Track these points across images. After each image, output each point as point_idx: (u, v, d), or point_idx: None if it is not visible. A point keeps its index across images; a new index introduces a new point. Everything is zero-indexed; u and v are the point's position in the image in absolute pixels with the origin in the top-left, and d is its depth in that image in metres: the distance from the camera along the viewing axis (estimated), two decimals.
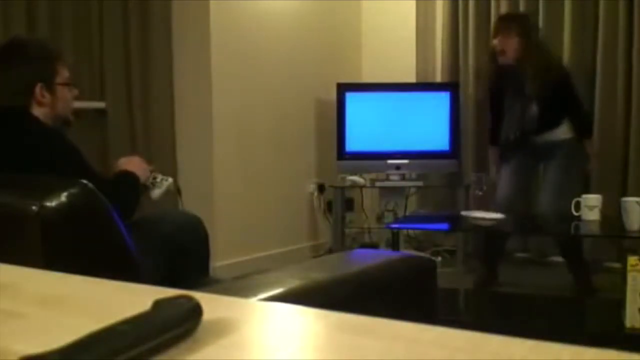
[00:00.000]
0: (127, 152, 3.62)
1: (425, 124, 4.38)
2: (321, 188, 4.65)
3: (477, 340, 0.47)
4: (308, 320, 0.57)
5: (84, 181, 1.38)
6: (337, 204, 4.40)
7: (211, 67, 3.89)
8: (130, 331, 0.46)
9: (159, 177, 2.25)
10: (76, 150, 1.95)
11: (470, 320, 3.03)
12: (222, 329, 0.52)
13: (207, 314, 0.52)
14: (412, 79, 4.77)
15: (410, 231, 4.56)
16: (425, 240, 4.68)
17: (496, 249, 3.74)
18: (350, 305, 0.60)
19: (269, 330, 0.56)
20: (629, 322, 2.57)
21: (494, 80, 3.78)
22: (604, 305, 3.20)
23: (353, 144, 4.36)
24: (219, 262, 3.68)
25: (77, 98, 2.17)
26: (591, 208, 3.07)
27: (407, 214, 4.55)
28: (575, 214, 3.11)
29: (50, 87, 2.02)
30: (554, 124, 3.58)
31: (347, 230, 4.56)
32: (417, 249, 4.56)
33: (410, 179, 4.45)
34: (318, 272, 1.42)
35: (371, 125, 4.39)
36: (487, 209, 3.30)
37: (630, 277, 2.54)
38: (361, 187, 4.53)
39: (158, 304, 0.50)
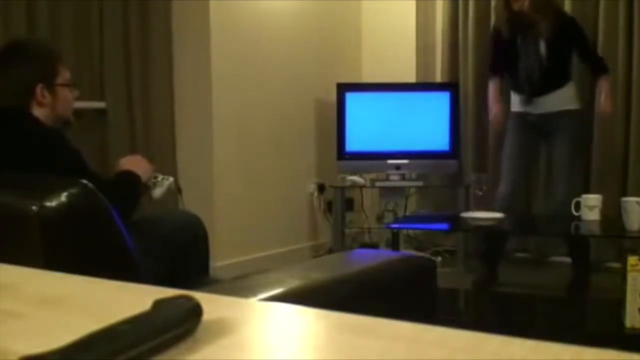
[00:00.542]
0: (127, 152, 3.62)
1: (425, 124, 4.38)
2: (321, 188, 4.65)
3: (477, 340, 0.47)
4: (308, 320, 0.57)
5: (84, 181, 1.38)
6: (337, 204, 4.40)
7: (211, 67, 3.89)
8: (130, 331, 0.46)
9: (160, 176, 2.25)
10: (76, 151, 1.95)
11: (470, 320, 3.04)
12: (222, 329, 0.52)
13: (207, 314, 0.52)
14: (412, 79, 4.77)
15: (410, 231, 4.56)
16: (425, 240, 4.68)
17: (496, 249, 3.75)
18: (350, 305, 0.60)
19: (269, 330, 0.56)
20: (629, 322, 2.57)
21: (506, 25, 3.76)
22: (604, 305, 3.20)
23: (353, 144, 4.36)
24: (219, 262, 3.68)
25: (77, 98, 2.17)
26: (591, 208, 3.07)
27: (407, 214, 4.55)
28: (575, 214, 3.11)
29: (50, 87, 2.02)
30: (561, 79, 3.61)
31: (347, 230, 4.56)
32: (417, 249, 4.56)
33: (410, 179, 4.45)
34: (318, 272, 1.42)
35: (371, 125, 4.39)
36: (487, 209, 3.30)
37: (630, 277, 2.54)
38: (361, 187, 4.53)
39: (158, 304, 0.50)
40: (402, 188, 4.48)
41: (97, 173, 1.98)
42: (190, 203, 2.64)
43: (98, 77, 3.66)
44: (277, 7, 4.33)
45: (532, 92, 3.65)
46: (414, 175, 4.47)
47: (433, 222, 4.07)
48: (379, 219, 4.55)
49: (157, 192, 2.24)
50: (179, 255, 2.20)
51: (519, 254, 4.37)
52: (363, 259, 1.68)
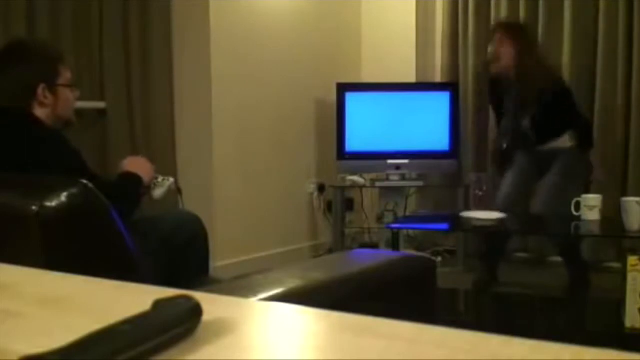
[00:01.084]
0: (127, 152, 3.62)
1: (425, 124, 4.38)
2: (321, 188, 4.65)
3: (477, 340, 0.47)
4: (308, 320, 0.57)
5: (84, 181, 1.38)
6: (337, 204, 4.40)
7: (211, 67, 3.89)
8: (130, 331, 0.46)
9: (160, 177, 2.25)
10: (76, 152, 1.95)
11: (470, 320, 3.04)
12: (222, 329, 0.52)
13: (207, 314, 0.52)
14: (412, 79, 4.77)
15: (410, 231, 4.56)
16: (425, 240, 4.68)
17: (496, 249, 3.74)
18: (351, 305, 0.60)
19: (269, 330, 0.56)
20: (629, 322, 2.57)
21: (489, 88, 3.80)
22: (604, 305, 3.20)
23: (353, 144, 4.36)
24: (219, 262, 3.68)
25: (78, 98, 2.18)
26: (591, 208, 3.07)
27: (407, 214, 4.55)
28: (575, 214, 3.11)
29: (52, 88, 2.02)
30: (554, 135, 3.57)
31: (347, 230, 4.56)
32: (417, 249, 4.56)
33: (410, 179, 4.45)
34: (318, 272, 1.42)
35: (371, 125, 4.39)
36: (487, 209, 3.30)
37: (630, 277, 2.54)
38: (361, 187, 4.53)
39: (158, 304, 0.50)
40: (402, 188, 4.48)
41: (97, 174, 1.98)
42: (190, 203, 2.64)
43: (98, 77, 3.66)
44: (277, 7, 4.33)
45: (517, 149, 3.65)
46: (414, 175, 4.47)
47: (433, 222, 4.07)
48: (379, 219, 4.55)
49: (158, 193, 2.24)
50: (179, 255, 2.20)
51: (519, 254, 4.37)
52: (363, 259, 1.68)
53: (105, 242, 1.41)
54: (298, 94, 4.50)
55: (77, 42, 3.55)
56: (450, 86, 4.48)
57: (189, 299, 0.52)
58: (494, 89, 3.75)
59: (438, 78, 4.77)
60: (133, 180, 2.09)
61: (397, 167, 4.35)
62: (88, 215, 1.37)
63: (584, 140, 3.61)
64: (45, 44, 2.44)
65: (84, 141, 3.05)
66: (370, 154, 4.37)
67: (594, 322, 3.08)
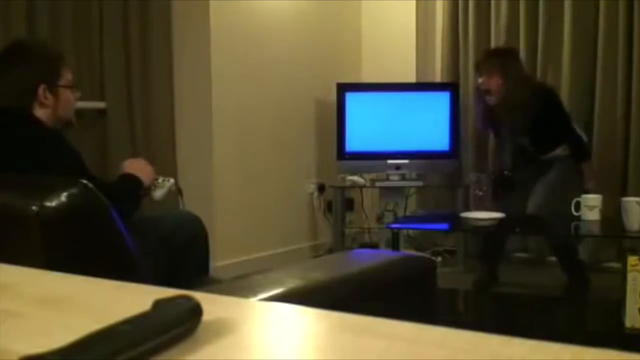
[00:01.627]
0: (127, 152, 3.63)
1: (425, 124, 4.38)
2: (321, 188, 4.65)
3: (477, 340, 0.47)
4: (308, 320, 0.57)
5: (84, 181, 1.38)
6: (337, 204, 4.40)
7: (211, 67, 3.89)
8: (130, 331, 0.46)
9: (160, 178, 2.25)
10: (75, 153, 1.95)
11: (470, 320, 3.04)
12: (222, 329, 0.52)
13: (207, 314, 0.52)
14: (412, 79, 4.77)
15: (410, 231, 4.56)
16: (425, 240, 4.68)
17: (496, 249, 3.74)
18: (351, 305, 0.60)
19: (269, 330, 0.56)
20: (629, 322, 2.57)
21: (486, 120, 3.80)
22: (604, 305, 3.20)
23: (353, 144, 4.36)
24: (219, 262, 3.68)
25: (78, 99, 2.18)
26: (591, 208, 3.07)
27: (407, 214, 4.55)
28: (575, 214, 3.11)
29: (53, 89, 2.02)
30: (550, 149, 3.59)
31: (347, 230, 4.56)
32: (417, 249, 4.56)
33: (410, 179, 4.45)
34: (318, 272, 1.42)
35: (371, 125, 4.39)
36: (487, 209, 3.30)
37: (630, 277, 2.54)
38: (361, 187, 4.53)
39: (158, 304, 0.50)
40: (402, 188, 4.48)
41: (96, 176, 1.98)
42: (190, 203, 2.64)
43: (98, 77, 3.66)
44: (277, 7, 4.33)
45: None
46: (413, 175, 4.47)
47: (433, 222, 4.07)
48: (379, 219, 4.55)
49: (158, 194, 2.24)
50: (179, 255, 2.20)
51: (519, 254, 4.37)
52: (363, 259, 1.68)
53: (105, 242, 1.41)
54: (298, 94, 4.50)
55: (77, 42, 3.55)
56: (450, 86, 4.48)
57: (189, 299, 0.52)
58: (491, 119, 3.76)
59: (438, 78, 4.77)
60: (133, 182, 2.09)
61: (397, 167, 4.35)
62: (88, 215, 1.37)
63: (578, 153, 3.61)
64: (46, 45, 2.44)
65: (84, 141, 3.05)
66: (370, 154, 4.37)
67: (594, 322, 3.08)
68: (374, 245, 4.55)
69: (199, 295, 0.53)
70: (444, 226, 3.88)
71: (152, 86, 3.77)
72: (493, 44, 4.39)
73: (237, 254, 3.98)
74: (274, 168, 4.33)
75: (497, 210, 3.46)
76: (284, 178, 4.41)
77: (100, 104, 3.64)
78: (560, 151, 3.58)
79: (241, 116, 4.10)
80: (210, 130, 3.91)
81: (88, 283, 0.70)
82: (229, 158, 4.03)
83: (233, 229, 3.99)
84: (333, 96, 4.40)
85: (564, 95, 4.14)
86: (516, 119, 3.57)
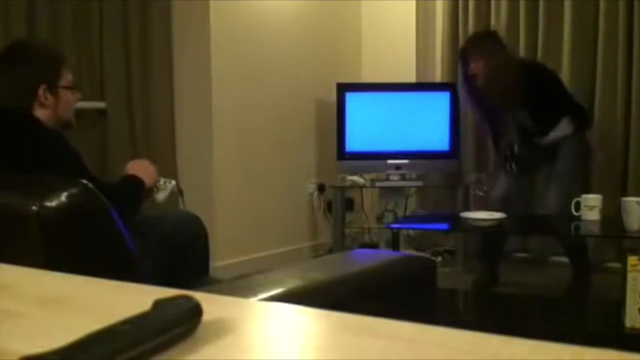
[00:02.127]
0: (127, 152, 3.63)
1: (425, 124, 4.38)
2: (321, 188, 4.65)
3: (477, 340, 0.47)
4: (308, 320, 0.57)
5: (84, 181, 1.38)
6: (337, 204, 4.40)
7: (211, 67, 3.89)
8: (130, 331, 0.46)
9: (162, 180, 2.25)
10: (75, 153, 1.95)
11: (470, 320, 3.04)
12: (222, 329, 0.52)
13: (207, 314, 0.52)
14: (412, 79, 4.77)
15: (410, 231, 4.56)
16: (425, 240, 4.68)
17: (496, 249, 3.74)
18: (351, 305, 0.60)
19: (269, 330, 0.56)
20: (629, 322, 2.57)
21: (475, 102, 3.80)
22: (604, 305, 3.20)
23: (353, 144, 4.36)
24: (219, 262, 3.68)
25: (78, 101, 2.17)
26: (591, 208, 3.07)
27: (407, 214, 4.55)
28: (575, 214, 3.11)
29: (53, 89, 2.02)
30: (552, 122, 3.55)
31: (347, 230, 4.56)
32: (417, 249, 4.56)
33: (410, 179, 4.45)
34: (318, 272, 1.42)
35: (371, 125, 4.39)
36: (487, 209, 3.30)
37: (630, 277, 2.54)
38: (361, 187, 4.53)
39: (158, 304, 0.50)
40: (402, 188, 4.48)
41: (96, 176, 1.98)
42: (190, 203, 2.64)
43: (98, 77, 3.66)
44: (277, 7, 4.33)
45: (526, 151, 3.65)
46: (414, 175, 4.47)
47: (433, 222, 4.07)
48: (379, 219, 4.55)
49: (161, 197, 2.24)
50: (179, 255, 2.20)
51: (519, 254, 4.37)
52: (363, 259, 1.68)
53: (105, 242, 1.41)
54: (298, 94, 4.50)
55: (77, 42, 3.55)
56: (450, 86, 4.47)
57: (189, 299, 0.52)
58: (482, 103, 3.75)
59: (438, 78, 4.77)
60: (135, 183, 2.09)
61: (397, 167, 4.35)
62: (88, 215, 1.37)
63: (581, 122, 3.58)
64: (46, 45, 2.44)
65: (84, 141, 3.05)
66: (370, 154, 4.37)
67: (594, 322, 3.08)
68: (374, 245, 4.55)
69: (199, 295, 0.53)
70: (444, 226, 3.88)
71: (152, 86, 3.77)
72: None
73: (237, 254, 3.98)
74: (274, 168, 4.33)
75: (505, 190, 3.48)
76: (284, 178, 4.41)
77: (100, 104, 3.64)
78: (563, 128, 3.52)
79: (241, 116, 4.10)
80: (210, 130, 3.91)
81: (88, 283, 0.70)
82: (229, 158, 4.03)
83: (233, 229, 3.99)
84: (333, 96, 4.40)
85: None
86: (506, 96, 3.53)
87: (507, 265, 3.91)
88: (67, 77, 2.07)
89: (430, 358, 0.46)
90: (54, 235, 1.29)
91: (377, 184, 4.48)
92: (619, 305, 2.64)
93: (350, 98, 4.39)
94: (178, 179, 2.65)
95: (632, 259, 2.53)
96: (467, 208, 3.58)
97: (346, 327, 0.53)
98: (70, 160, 1.92)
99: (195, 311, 0.51)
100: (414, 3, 4.80)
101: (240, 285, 1.38)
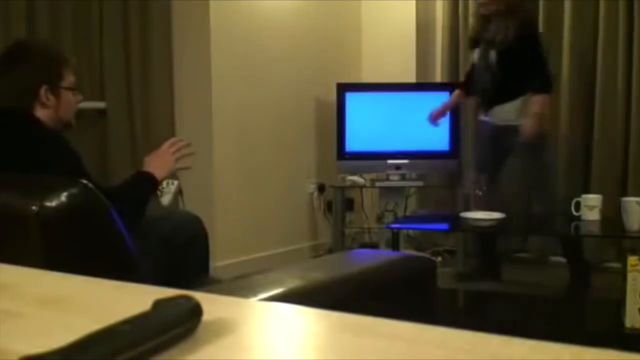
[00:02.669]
0: (127, 152, 3.63)
1: (425, 124, 4.36)
2: (321, 188, 4.65)
3: (477, 340, 0.47)
4: (308, 320, 0.57)
5: (84, 181, 1.38)
6: (337, 204, 4.40)
7: (211, 67, 3.89)
8: (130, 331, 0.46)
9: (164, 182, 2.24)
10: (75, 154, 1.95)
11: (470, 320, 3.04)
12: (222, 329, 0.52)
13: (207, 314, 0.52)
14: (412, 79, 4.77)
15: (410, 231, 4.56)
16: (425, 240, 4.68)
17: (489, 247, 3.76)
18: (351, 305, 0.60)
19: (269, 330, 0.56)
20: (629, 322, 2.57)
21: (476, 30, 3.81)
22: (604, 305, 3.20)
23: (353, 144, 4.36)
24: (219, 262, 3.68)
25: (79, 102, 2.17)
26: (591, 208, 3.07)
27: (407, 214, 4.55)
28: (575, 214, 3.11)
29: (55, 90, 2.02)
30: (513, 91, 3.56)
31: (347, 230, 4.56)
32: (417, 249, 4.56)
33: (410, 179, 4.45)
34: (318, 272, 1.42)
35: (371, 125, 4.39)
36: (487, 209, 3.30)
37: (630, 277, 2.54)
38: (361, 187, 4.53)
39: (158, 304, 0.50)
40: (402, 188, 4.48)
41: (96, 180, 1.98)
42: (190, 203, 2.64)
43: (98, 77, 3.66)
44: (277, 7, 4.33)
45: (486, 102, 3.69)
46: (413, 175, 4.47)
47: (433, 222, 4.07)
48: (379, 219, 4.55)
49: (166, 199, 2.23)
50: (179, 255, 2.20)
51: (519, 254, 4.37)
52: (363, 259, 1.68)
53: (105, 242, 1.41)
54: (298, 94, 4.50)
55: (77, 42, 3.55)
56: (450, 86, 4.47)
57: (189, 299, 0.52)
58: (480, 33, 3.75)
59: (438, 78, 4.77)
60: (146, 184, 2.07)
61: (397, 167, 4.35)
62: (88, 215, 1.37)
63: (540, 84, 3.54)
64: (47, 46, 2.44)
65: (84, 141, 3.05)
66: (370, 154, 4.37)
67: (594, 322, 3.08)
68: (374, 245, 4.55)
69: (199, 295, 0.53)
70: (444, 226, 3.88)
71: (152, 86, 3.77)
72: None
73: (237, 254, 3.98)
74: (274, 168, 4.33)
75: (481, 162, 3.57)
76: (284, 178, 4.41)
77: (100, 104, 3.64)
78: (517, 115, 3.54)
79: (241, 116, 4.10)
80: (210, 130, 3.91)
81: (88, 283, 0.70)
82: (229, 158, 4.03)
83: (233, 229, 3.99)
84: (333, 96, 4.40)
85: (564, 95, 4.14)
86: (505, 29, 3.53)
87: (507, 265, 3.91)
88: (69, 79, 2.07)
89: (430, 358, 0.46)
90: (54, 235, 1.29)
91: (377, 184, 4.48)
92: (619, 305, 2.65)
93: (350, 98, 4.39)
94: (178, 179, 2.65)
95: (632, 259, 2.53)
96: (467, 208, 3.58)
97: (346, 327, 0.53)
98: (71, 161, 1.92)
99: (195, 311, 0.51)
100: (414, 3, 4.80)
101: (240, 285, 1.38)
